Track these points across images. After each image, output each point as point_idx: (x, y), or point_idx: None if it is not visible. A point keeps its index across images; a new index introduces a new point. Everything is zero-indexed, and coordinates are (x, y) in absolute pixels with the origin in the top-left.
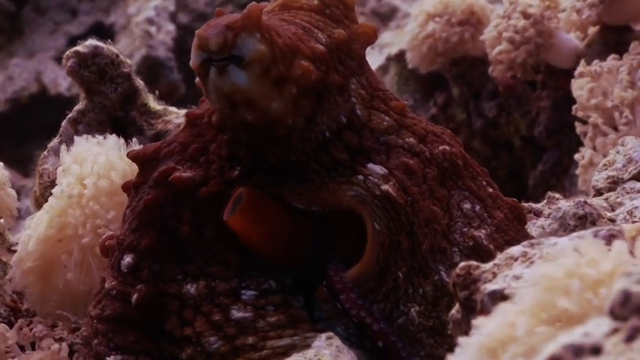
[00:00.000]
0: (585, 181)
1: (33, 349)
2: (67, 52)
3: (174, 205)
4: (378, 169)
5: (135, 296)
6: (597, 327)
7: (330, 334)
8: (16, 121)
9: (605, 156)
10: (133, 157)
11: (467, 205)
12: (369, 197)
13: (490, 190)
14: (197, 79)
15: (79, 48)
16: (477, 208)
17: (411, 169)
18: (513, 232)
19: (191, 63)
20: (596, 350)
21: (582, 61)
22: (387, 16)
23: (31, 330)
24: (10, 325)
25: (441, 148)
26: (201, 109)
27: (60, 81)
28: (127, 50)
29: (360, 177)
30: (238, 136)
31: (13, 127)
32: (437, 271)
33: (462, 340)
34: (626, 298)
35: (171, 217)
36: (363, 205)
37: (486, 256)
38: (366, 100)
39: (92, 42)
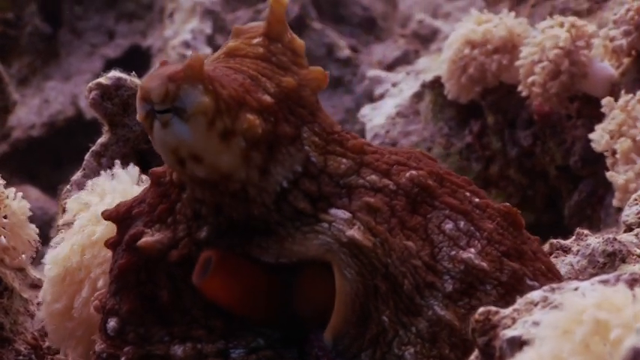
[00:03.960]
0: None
1: None
2: (90, 84)
3: (147, 271)
4: (341, 214)
5: (123, 359)
6: None
7: None
8: (52, 145)
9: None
10: (107, 217)
11: (449, 225)
12: (335, 245)
13: (476, 199)
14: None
15: (102, 80)
16: (462, 224)
17: (374, 207)
18: (509, 240)
19: (137, 116)
20: None
21: (606, 100)
22: (428, 39)
23: None
24: None
25: (407, 175)
26: (165, 167)
27: None
28: None
29: (325, 225)
30: (194, 192)
31: (49, 151)
32: (429, 306)
33: None
34: (635, 355)
35: (147, 283)
36: (331, 254)
37: (482, 274)
38: (320, 147)
39: (115, 73)
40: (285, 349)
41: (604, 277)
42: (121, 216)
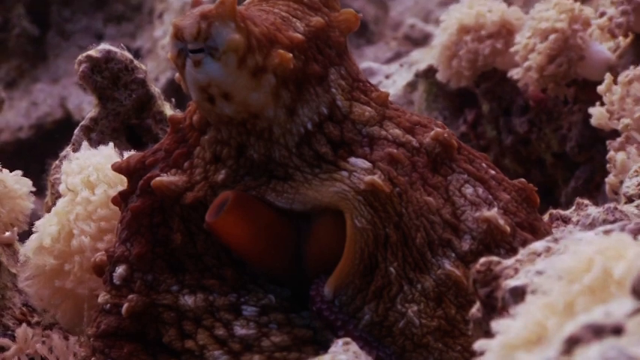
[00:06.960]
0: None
1: None
2: (80, 57)
3: (162, 213)
4: (361, 163)
5: (125, 306)
6: (619, 307)
7: (348, 339)
8: (40, 148)
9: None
10: (117, 169)
11: (469, 190)
12: (351, 193)
13: (492, 172)
14: (176, 75)
15: (92, 52)
16: (480, 191)
17: (397, 159)
18: (524, 214)
19: (169, 54)
20: (617, 330)
21: (608, 74)
22: (419, 42)
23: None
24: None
25: (431, 133)
26: (183, 113)
27: (85, 106)
28: (153, 73)
29: (345, 173)
30: (220, 133)
31: (38, 153)
32: (440, 265)
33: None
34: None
35: (161, 226)
36: (345, 202)
37: (499, 237)
38: (346, 91)
39: (105, 46)
40: (297, 315)
41: (608, 227)
42: (132, 167)
